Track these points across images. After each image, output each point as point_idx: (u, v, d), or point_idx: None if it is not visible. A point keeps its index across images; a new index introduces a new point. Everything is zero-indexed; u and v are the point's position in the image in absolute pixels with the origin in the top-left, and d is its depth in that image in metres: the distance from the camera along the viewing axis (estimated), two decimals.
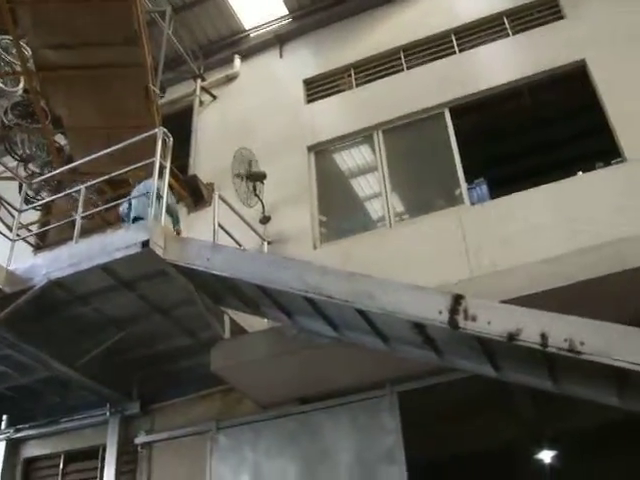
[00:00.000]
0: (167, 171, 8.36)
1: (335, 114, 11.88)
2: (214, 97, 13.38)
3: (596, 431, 10.97)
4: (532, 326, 4.95)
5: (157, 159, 8.25)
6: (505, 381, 6.17)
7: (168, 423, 9.57)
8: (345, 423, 8.38)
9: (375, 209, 10.74)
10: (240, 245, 9.11)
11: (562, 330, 4.88)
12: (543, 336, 4.88)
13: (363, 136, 11.23)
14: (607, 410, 5.72)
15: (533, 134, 11.97)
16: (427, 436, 9.29)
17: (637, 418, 5.74)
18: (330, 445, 8.37)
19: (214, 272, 7.03)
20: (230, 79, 13.46)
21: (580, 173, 9.39)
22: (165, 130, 8.68)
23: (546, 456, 12.62)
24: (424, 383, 8.03)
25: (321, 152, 11.46)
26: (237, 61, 13.53)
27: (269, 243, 10.26)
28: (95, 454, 10.01)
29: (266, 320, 8.20)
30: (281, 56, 13.26)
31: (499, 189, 9.74)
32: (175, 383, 9.61)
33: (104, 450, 9.78)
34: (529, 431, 11.09)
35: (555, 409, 9.51)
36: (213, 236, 8.39)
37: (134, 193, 9.12)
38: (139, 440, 9.56)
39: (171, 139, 8.67)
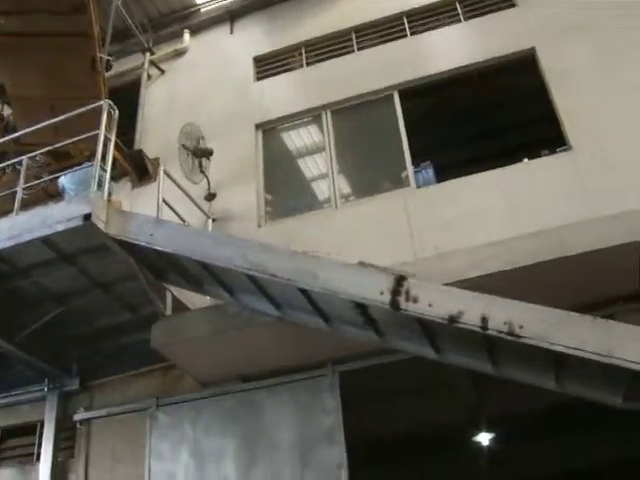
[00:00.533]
0: (112, 144, 8.23)
1: (284, 92, 11.78)
2: (162, 71, 13.15)
3: (534, 414, 11.13)
4: (473, 309, 4.98)
5: (102, 132, 8.11)
6: (445, 363, 6.22)
7: (107, 400, 9.48)
8: (286, 402, 8.39)
9: (322, 189, 10.70)
10: (184, 221, 9.02)
11: (502, 314, 4.92)
12: (483, 319, 4.92)
13: (312, 116, 11.16)
14: (545, 393, 5.80)
15: (482, 120, 12.04)
16: (367, 416, 9.35)
17: (573, 402, 5.81)
18: (270, 424, 8.37)
19: (156, 247, 6.94)
20: (179, 54, 13.22)
21: (526, 160, 9.48)
22: (111, 102, 8.53)
23: (484, 438, 12.80)
24: (365, 363, 8.05)
25: (269, 130, 11.36)
26: (187, 36, 13.28)
27: (214, 220, 10.16)
28: (33, 430, 9.90)
29: (208, 297, 8.12)
30: (232, 32, 13.07)
31: (446, 173, 9.78)
32: (115, 359, 9.49)
33: (42, 426, 9.65)
34: (468, 413, 11.20)
35: (494, 392, 9.64)
36: (157, 211, 8.28)
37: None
38: (78, 417, 9.45)
39: (117, 112, 8.52)
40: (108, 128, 8.30)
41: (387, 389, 9.23)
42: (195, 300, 8.41)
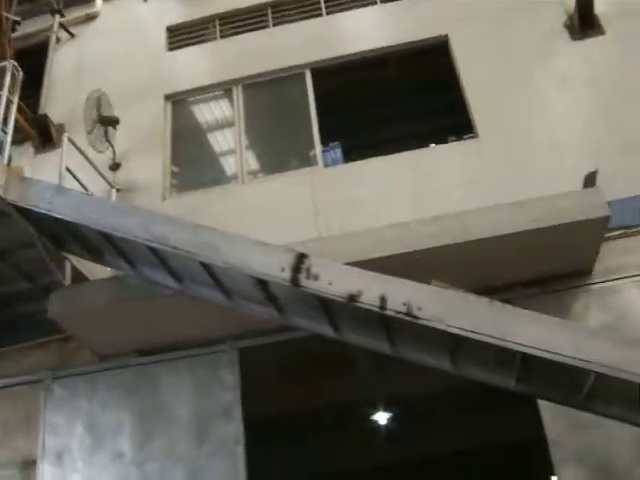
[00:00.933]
0: (14, 107, 7.98)
1: (196, 64, 11.60)
2: (72, 35, 12.73)
3: (431, 395, 11.33)
4: (372, 289, 5.01)
5: (4, 93, 7.87)
6: (344, 342, 6.25)
7: (1, 371, 9.17)
8: (184, 377, 8.34)
9: (230, 164, 10.62)
10: (87, 190, 8.81)
11: (401, 294, 4.97)
12: (382, 299, 4.95)
13: (223, 89, 11.05)
14: (442, 375, 5.88)
15: (394, 103, 12.11)
16: (266, 394, 9.34)
17: (470, 384, 5.91)
18: (168, 399, 8.31)
19: (56, 215, 6.74)
20: (90, 18, 12.82)
21: (433, 145, 9.60)
22: (15, 64, 8.27)
23: (382, 418, 12.99)
24: (265, 340, 8.06)
25: (179, 102, 11.18)
26: (99, 0, 12.93)
27: (118, 190, 9.93)
28: None
29: (109, 268, 7.96)
30: (145, 0, 12.80)
31: (354, 154, 9.83)
32: (10, 329, 9.20)
33: None
34: (367, 392, 11.33)
35: (393, 372, 9.75)
36: (59, 179, 8.09)
37: None
38: None
39: (21, 74, 8.27)
40: (11, 90, 8.04)
41: (287, 366, 9.25)
42: (96, 271, 8.24)
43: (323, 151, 9.75)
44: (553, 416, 7.22)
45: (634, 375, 4.40)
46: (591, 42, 9.80)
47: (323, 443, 13.34)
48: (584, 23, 9.79)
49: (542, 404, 7.21)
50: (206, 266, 6.09)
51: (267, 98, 11.00)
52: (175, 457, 8.01)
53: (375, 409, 12.68)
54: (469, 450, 14.44)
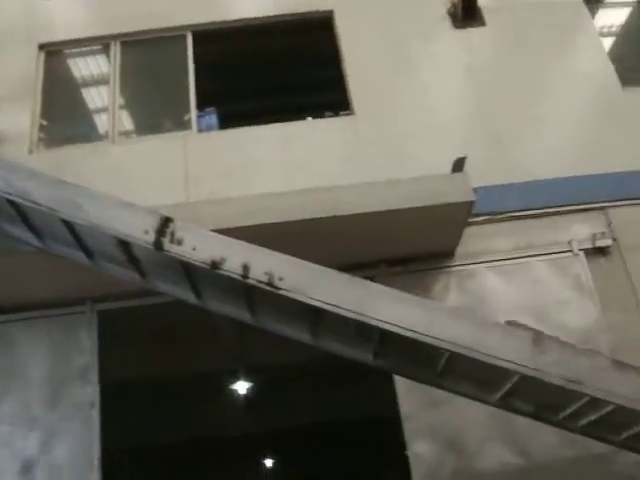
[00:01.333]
0: None
1: (75, 16, 11.07)
2: None
3: (293, 367, 11.45)
4: (236, 256, 4.96)
5: None
6: (207, 309, 6.19)
7: None
8: (40, 338, 8.13)
9: (102, 123, 10.30)
10: None
11: (264, 264, 4.94)
12: (245, 267, 4.92)
13: (100, 44, 10.68)
14: (304, 348, 5.91)
15: (275, 74, 12.03)
16: (126, 358, 9.22)
17: (331, 357, 5.96)
18: (22, 360, 8.09)
19: None
20: None
21: (310, 119, 9.61)
22: None
23: (242, 387, 13.02)
24: (126, 304, 7.94)
25: (54, 53, 10.71)
26: None
27: None
28: None
29: None
30: None
31: (231, 122, 9.72)
32: None
33: None
34: (229, 361, 11.32)
35: (256, 342, 9.77)
36: None
37: None
38: None
39: None
40: None
41: (148, 331, 9.13)
42: None
43: (198, 116, 9.62)
44: (407, 392, 7.43)
45: (485, 355, 4.53)
46: (472, 32, 10.05)
47: (182, 410, 13.31)
48: (467, 13, 10.03)
49: (398, 380, 7.41)
50: (68, 224, 5.87)
51: (146, 57, 10.72)
52: (28, 420, 7.79)
53: (236, 378, 12.68)
54: (328, 423, 14.71)
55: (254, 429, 15.02)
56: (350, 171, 8.46)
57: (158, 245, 5.15)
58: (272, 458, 23.47)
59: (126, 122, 10.29)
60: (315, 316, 5.28)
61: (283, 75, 12.06)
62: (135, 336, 9.06)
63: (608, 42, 10.80)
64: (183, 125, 9.64)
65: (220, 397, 13.32)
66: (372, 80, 9.57)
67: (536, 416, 5.26)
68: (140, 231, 5.25)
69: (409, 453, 7.53)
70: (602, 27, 10.88)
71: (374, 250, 7.67)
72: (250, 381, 12.93)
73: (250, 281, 4.91)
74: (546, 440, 7.23)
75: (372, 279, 5.56)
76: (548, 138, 9.13)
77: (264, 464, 24.08)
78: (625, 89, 9.72)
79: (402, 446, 7.66)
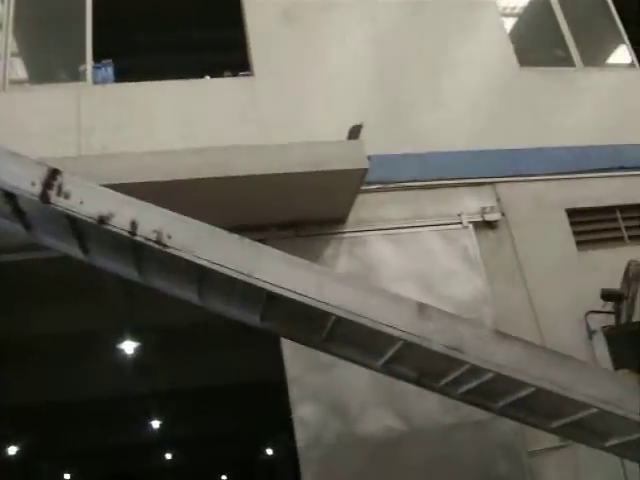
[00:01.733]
0: None
1: None
2: None
3: (183, 328, 11.40)
4: (124, 212, 4.87)
5: None
6: (93, 265, 6.08)
7: None
8: None
9: None
10: None
11: (153, 221, 4.87)
12: (133, 224, 4.83)
13: None
14: (194, 309, 5.88)
15: (178, 31, 11.80)
16: (8, 315, 8.98)
17: (220, 319, 5.95)
18: None
19: None
20: None
21: (208, 77, 9.48)
22: None
23: (129, 347, 12.88)
24: (8, 258, 7.66)
25: None
26: None
27: None
28: None
29: None
30: None
31: (129, 76, 9.48)
32: None
33: None
34: (117, 320, 11.18)
35: (146, 302, 9.66)
36: None
37: None
38: None
39: None
40: None
41: (33, 287, 8.90)
42: None
43: (95, 67, 9.30)
44: (293, 355, 7.48)
45: (370, 321, 4.61)
46: (377, 1, 10.06)
47: (68, 370, 13.10)
48: None
49: (285, 343, 7.46)
50: None
51: (42, 3, 10.26)
52: None
53: (123, 338, 12.52)
54: (219, 386, 14.72)
55: (142, 390, 14.92)
56: (246, 132, 8.43)
57: (45, 198, 4.99)
58: (159, 420, 23.45)
59: (19, 70, 9.88)
60: (203, 276, 5.26)
61: (185, 32, 11.85)
62: (21, 292, 8.82)
63: (510, 23, 11.08)
64: (78, 76, 9.31)
65: (107, 357, 13.14)
66: (274, 43, 9.51)
67: (419, 382, 5.37)
68: (27, 183, 5.07)
69: (294, 416, 7.61)
70: (505, 8, 11.15)
71: (266, 213, 7.67)
72: (138, 341, 12.79)
73: (138, 238, 4.83)
74: (428, 406, 7.45)
75: (263, 242, 5.53)
76: (446, 112, 9.32)
77: (151, 425, 24.06)
78: (522, 69, 9.99)
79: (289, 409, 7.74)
